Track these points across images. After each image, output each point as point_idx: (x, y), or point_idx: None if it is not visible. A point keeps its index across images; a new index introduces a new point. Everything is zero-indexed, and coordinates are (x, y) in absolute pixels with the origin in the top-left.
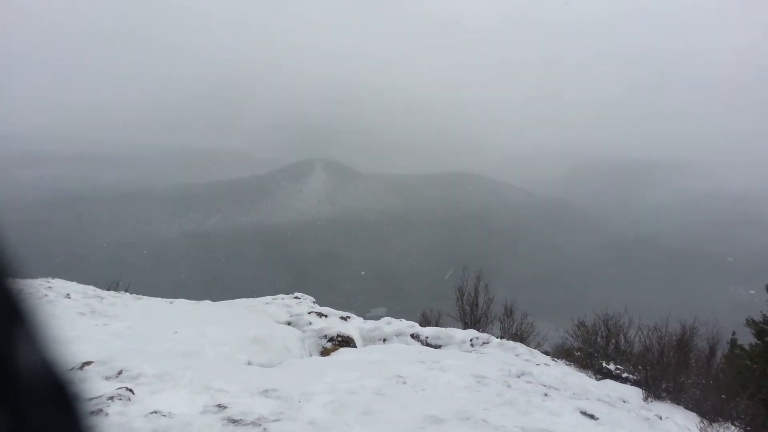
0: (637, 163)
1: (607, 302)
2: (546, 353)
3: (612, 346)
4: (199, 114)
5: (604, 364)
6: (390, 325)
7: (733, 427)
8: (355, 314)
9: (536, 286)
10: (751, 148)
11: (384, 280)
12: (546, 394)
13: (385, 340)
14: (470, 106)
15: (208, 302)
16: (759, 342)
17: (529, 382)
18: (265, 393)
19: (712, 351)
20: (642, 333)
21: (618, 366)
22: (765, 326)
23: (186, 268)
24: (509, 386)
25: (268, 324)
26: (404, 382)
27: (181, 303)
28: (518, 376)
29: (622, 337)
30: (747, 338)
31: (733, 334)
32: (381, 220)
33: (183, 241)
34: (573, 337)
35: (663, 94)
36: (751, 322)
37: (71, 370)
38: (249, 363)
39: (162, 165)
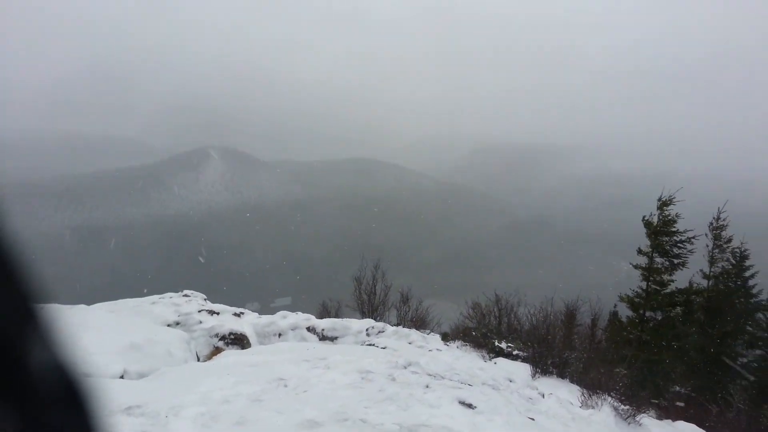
0: (531, 148)
1: (506, 282)
2: (446, 334)
3: (504, 326)
4: (84, 97)
5: (496, 343)
6: (285, 319)
7: (609, 398)
8: (259, 304)
9: (439, 269)
10: (630, 134)
11: (289, 269)
12: (428, 386)
13: (280, 335)
14: (373, 92)
15: (83, 306)
16: (634, 314)
17: (415, 373)
18: (128, 410)
19: (594, 325)
20: (530, 312)
21: (510, 344)
22: (637, 300)
23: (73, 265)
24: (394, 379)
25: (150, 327)
26: (285, 385)
27: (52, 308)
28: (405, 367)
29: (513, 316)
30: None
31: (615, 306)
32: (284, 208)
33: (69, 236)
34: (468, 319)
35: (557, 86)
36: (624, 297)
37: None
38: (124, 373)
39: (43, 153)
